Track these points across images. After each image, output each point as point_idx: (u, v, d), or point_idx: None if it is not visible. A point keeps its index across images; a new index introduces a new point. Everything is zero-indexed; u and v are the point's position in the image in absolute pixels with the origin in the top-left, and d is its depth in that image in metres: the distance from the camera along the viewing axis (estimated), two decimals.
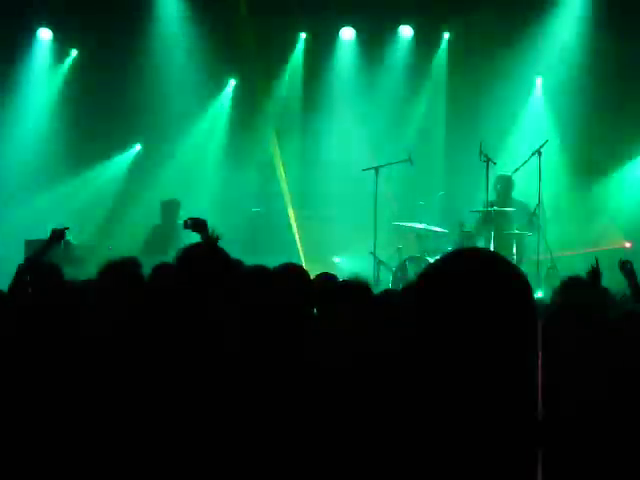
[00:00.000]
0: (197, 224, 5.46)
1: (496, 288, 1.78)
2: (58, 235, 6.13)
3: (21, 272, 5.46)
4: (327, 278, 4.85)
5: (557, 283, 9.69)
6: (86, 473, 2.79)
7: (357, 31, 12.86)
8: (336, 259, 12.55)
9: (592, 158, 11.70)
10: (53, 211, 12.11)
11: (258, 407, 2.82)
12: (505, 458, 1.72)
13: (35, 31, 12.79)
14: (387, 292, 4.76)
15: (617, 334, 3.46)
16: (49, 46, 12.93)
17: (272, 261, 4.80)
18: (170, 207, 11.23)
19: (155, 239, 10.99)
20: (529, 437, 1.74)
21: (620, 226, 11.88)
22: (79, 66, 12.92)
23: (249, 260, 5.63)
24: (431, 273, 1.85)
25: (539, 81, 12.50)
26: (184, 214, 11.30)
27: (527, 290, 1.81)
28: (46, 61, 12.89)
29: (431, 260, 10.38)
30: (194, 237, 11.04)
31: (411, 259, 10.76)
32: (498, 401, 1.75)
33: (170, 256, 9.98)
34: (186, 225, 5.51)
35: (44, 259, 5.93)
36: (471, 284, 1.78)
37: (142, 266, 4.45)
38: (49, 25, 12.80)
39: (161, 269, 4.52)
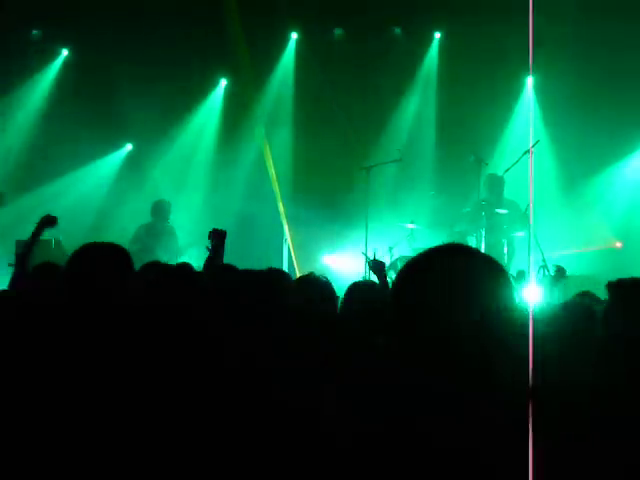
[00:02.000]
0: (219, 234, 5.51)
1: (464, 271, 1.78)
2: (49, 220, 6.09)
3: (18, 264, 5.43)
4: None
5: (548, 283, 9.75)
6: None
7: (348, 31, 12.84)
8: (327, 259, 12.54)
9: (583, 158, 11.71)
10: (43, 211, 12.04)
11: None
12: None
13: (26, 30, 12.73)
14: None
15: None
16: (39, 45, 12.88)
17: (262, 261, 4.79)
18: (161, 207, 11.19)
19: (141, 238, 10.95)
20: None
21: (611, 225, 11.91)
22: (70, 65, 12.89)
23: (239, 260, 5.63)
24: (406, 267, 1.86)
25: (530, 80, 12.52)
26: (175, 214, 11.30)
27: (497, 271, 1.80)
28: (36, 60, 12.83)
29: None
30: (181, 239, 11.08)
31: (402, 259, 10.76)
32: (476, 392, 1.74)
33: (156, 255, 9.98)
34: (210, 235, 5.56)
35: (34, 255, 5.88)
36: (439, 271, 1.78)
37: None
38: (40, 24, 12.75)
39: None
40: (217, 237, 5.57)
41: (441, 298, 1.75)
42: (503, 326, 1.75)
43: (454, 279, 1.77)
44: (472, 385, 1.74)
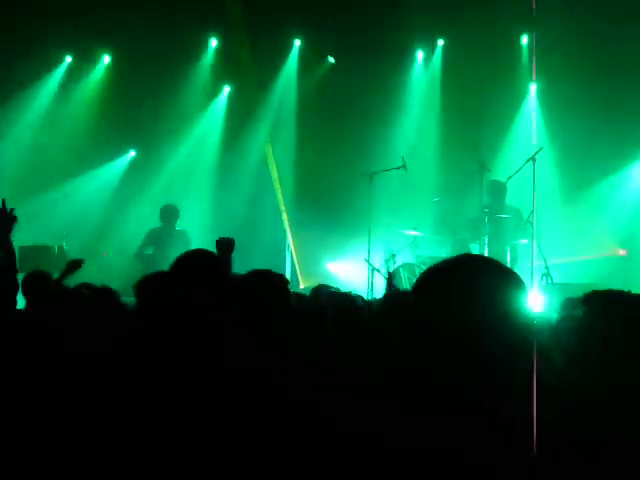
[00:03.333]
0: (225, 243, 5.53)
1: (488, 287, 1.79)
2: (75, 263, 6.13)
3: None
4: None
5: (551, 290, 9.75)
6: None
7: (351, 37, 12.82)
8: (330, 265, 12.54)
9: (586, 165, 11.70)
10: (47, 216, 12.09)
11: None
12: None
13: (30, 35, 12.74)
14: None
15: None
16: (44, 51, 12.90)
17: (264, 267, 4.79)
18: (170, 211, 11.18)
19: (153, 241, 10.94)
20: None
21: (615, 233, 11.89)
22: (74, 72, 12.91)
23: (241, 266, 5.64)
24: (425, 277, 1.87)
25: (533, 87, 12.52)
26: (179, 220, 11.31)
27: (517, 290, 1.81)
28: (43, 67, 12.84)
29: (425, 268, 10.37)
30: (192, 245, 11.10)
31: (405, 266, 10.76)
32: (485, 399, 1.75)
33: (170, 259, 9.97)
34: (218, 246, 5.58)
35: (39, 269, 5.91)
36: (463, 283, 1.78)
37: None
38: (44, 29, 12.75)
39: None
40: (224, 246, 5.57)
41: (460, 303, 1.77)
42: (517, 330, 1.78)
43: (474, 287, 1.79)
44: (486, 384, 1.76)
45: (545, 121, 12.33)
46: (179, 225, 11.23)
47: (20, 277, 5.99)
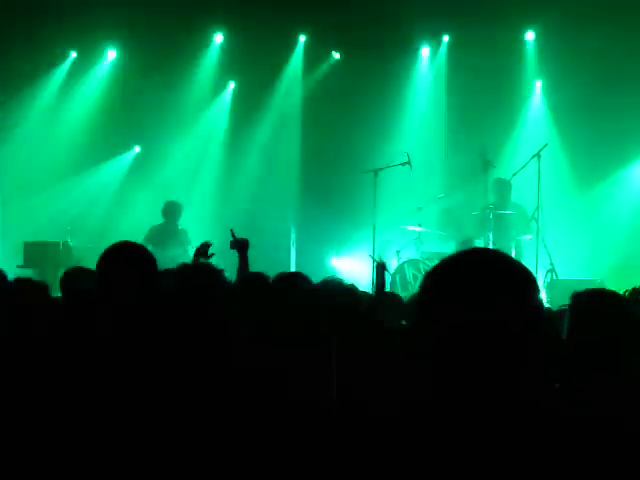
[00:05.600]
0: (239, 243, 5.54)
1: (500, 282, 1.77)
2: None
3: None
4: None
5: (556, 287, 9.75)
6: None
7: (355, 35, 12.78)
8: (335, 261, 12.54)
9: (592, 161, 11.68)
10: (52, 212, 12.11)
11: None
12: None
13: (33, 32, 12.75)
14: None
15: None
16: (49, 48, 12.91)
17: (270, 262, 4.81)
18: (172, 208, 11.19)
19: (153, 239, 10.94)
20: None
21: (619, 229, 11.86)
22: (79, 68, 12.92)
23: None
24: (437, 271, 1.84)
25: (538, 84, 12.50)
26: (183, 216, 11.32)
27: (532, 284, 1.80)
28: (46, 63, 12.84)
29: (429, 264, 10.38)
30: (193, 241, 11.09)
31: (410, 262, 10.76)
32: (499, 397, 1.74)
33: (168, 257, 9.98)
34: (232, 245, 5.59)
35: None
36: (475, 279, 1.77)
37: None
38: (47, 26, 12.76)
39: None
40: (240, 245, 5.57)
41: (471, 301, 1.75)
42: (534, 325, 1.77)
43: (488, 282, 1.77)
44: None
45: (550, 117, 12.31)
46: (183, 221, 11.24)
47: (29, 273, 6.01)
